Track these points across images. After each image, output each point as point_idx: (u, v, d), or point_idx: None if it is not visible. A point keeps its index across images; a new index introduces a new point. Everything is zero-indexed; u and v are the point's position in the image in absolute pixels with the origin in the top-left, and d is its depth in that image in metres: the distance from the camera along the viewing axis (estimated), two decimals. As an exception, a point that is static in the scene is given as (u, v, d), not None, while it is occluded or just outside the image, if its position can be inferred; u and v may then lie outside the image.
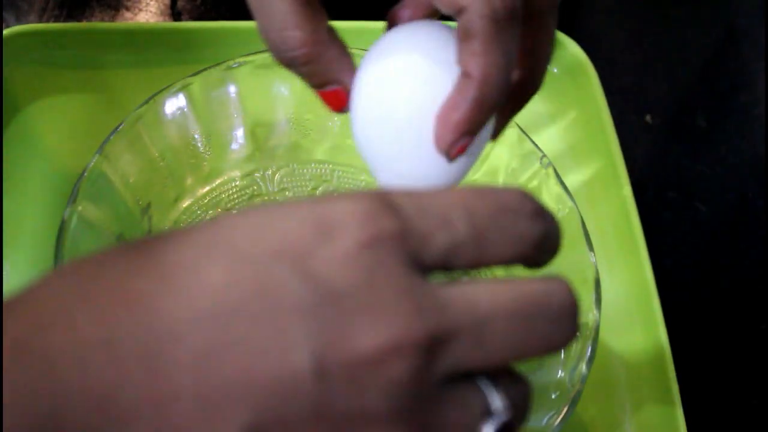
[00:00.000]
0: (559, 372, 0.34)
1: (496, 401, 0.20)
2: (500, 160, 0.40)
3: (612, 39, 0.61)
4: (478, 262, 0.20)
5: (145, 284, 0.17)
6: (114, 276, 0.18)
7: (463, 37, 0.24)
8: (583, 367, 0.33)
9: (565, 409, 0.32)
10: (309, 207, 0.19)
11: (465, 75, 0.24)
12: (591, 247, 0.35)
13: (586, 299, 0.35)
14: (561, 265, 0.37)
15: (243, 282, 0.17)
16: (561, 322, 0.20)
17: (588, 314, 0.34)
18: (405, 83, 0.25)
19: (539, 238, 0.20)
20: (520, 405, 0.20)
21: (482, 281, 0.19)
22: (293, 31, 0.26)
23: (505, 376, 0.20)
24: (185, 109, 0.39)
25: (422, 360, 0.18)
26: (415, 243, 0.19)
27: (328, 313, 0.17)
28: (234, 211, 0.19)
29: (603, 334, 0.42)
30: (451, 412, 0.19)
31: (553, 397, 0.33)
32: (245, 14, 0.27)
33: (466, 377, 0.19)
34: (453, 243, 0.19)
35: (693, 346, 0.45)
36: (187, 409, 0.17)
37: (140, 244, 0.19)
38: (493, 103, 0.24)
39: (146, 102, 0.38)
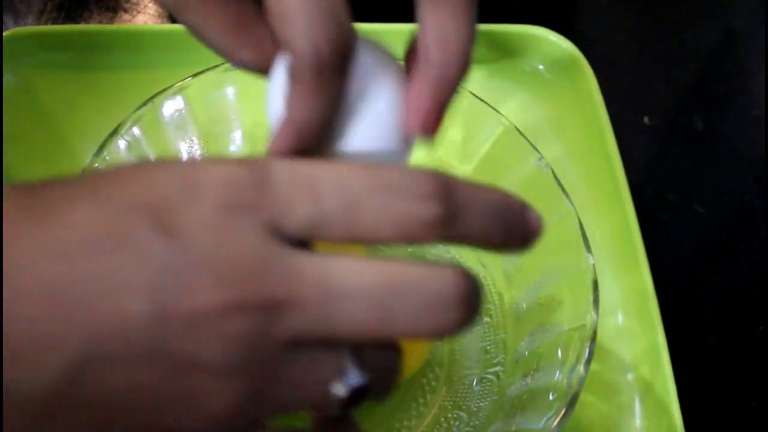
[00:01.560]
0: (557, 373, 0.34)
1: (349, 364, 0.20)
2: (496, 161, 0.40)
3: (610, 40, 0.61)
4: (351, 238, 0.20)
5: (15, 216, 0.19)
6: None
7: (291, 78, 0.24)
8: (581, 368, 0.33)
9: (563, 411, 0.32)
10: (182, 167, 0.20)
11: (287, 117, 0.25)
12: (589, 249, 0.35)
13: (584, 301, 0.35)
14: (559, 266, 0.37)
15: (101, 225, 0.19)
16: (433, 309, 0.20)
17: (586, 316, 0.34)
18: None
19: (431, 220, 0.20)
20: (381, 371, 0.21)
21: (354, 257, 0.20)
22: (239, 55, 0.27)
23: (370, 344, 0.21)
24: (183, 111, 0.39)
25: (261, 321, 0.19)
26: (276, 213, 0.20)
27: (174, 266, 0.18)
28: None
29: (601, 336, 0.42)
30: (297, 372, 0.20)
31: (550, 398, 0.33)
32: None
33: (326, 343, 0.20)
34: (317, 215, 0.20)
35: (691, 348, 0.45)
36: (26, 333, 0.18)
37: (36, 185, 0.20)
38: (312, 142, 0.25)
39: (144, 104, 0.38)
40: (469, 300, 0.20)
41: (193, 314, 0.18)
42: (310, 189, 0.20)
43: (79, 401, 0.18)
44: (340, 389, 0.20)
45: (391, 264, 0.20)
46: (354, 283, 0.19)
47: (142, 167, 0.20)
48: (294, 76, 0.24)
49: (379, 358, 0.21)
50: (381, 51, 0.27)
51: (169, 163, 0.20)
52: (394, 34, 0.32)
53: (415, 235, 0.20)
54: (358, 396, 0.21)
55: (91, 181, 0.20)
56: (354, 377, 0.21)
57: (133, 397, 0.19)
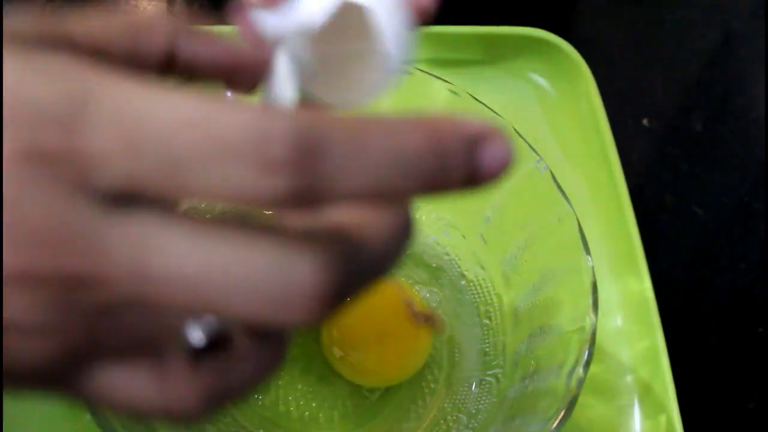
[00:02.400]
0: (556, 375, 0.33)
1: (193, 332, 0.18)
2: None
3: (609, 42, 0.61)
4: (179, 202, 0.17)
5: None
6: None
7: None
8: (581, 370, 0.33)
9: (562, 413, 0.31)
10: (12, 92, 0.16)
11: None
12: (588, 251, 0.35)
13: (583, 303, 0.35)
14: (558, 268, 0.37)
15: None
16: (274, 308, 0.16)
17: (585, 318, 0.34)
18: None
19: (277, 196, 0.16)
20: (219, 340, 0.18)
21: (187, 230, 0.16)
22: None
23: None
24: (182, 114, 0.39)
25: (63, 294, 0.16)
26: (86, 166, 0.16)
27: None
28: None
29: (600, 338, 0.42)
30: (116, 330, 0.17)
31: (550, 400, 0.33)
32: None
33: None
34: (132, 176, 0.16)
35: (690, 350, 0.45)
36: None
37: None
38: None
39: (143, 106, 0.38)
40: (330, 302, 0.16)
41: None
42: (128, 141, 0.16)
43: None
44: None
45: (232, 245, 0.16)
46: (173, 271, 0.16)
47: None
48: None
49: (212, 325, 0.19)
50: None
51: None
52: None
53: (258, 207, 0.16)
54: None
55: None
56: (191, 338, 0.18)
57: None
